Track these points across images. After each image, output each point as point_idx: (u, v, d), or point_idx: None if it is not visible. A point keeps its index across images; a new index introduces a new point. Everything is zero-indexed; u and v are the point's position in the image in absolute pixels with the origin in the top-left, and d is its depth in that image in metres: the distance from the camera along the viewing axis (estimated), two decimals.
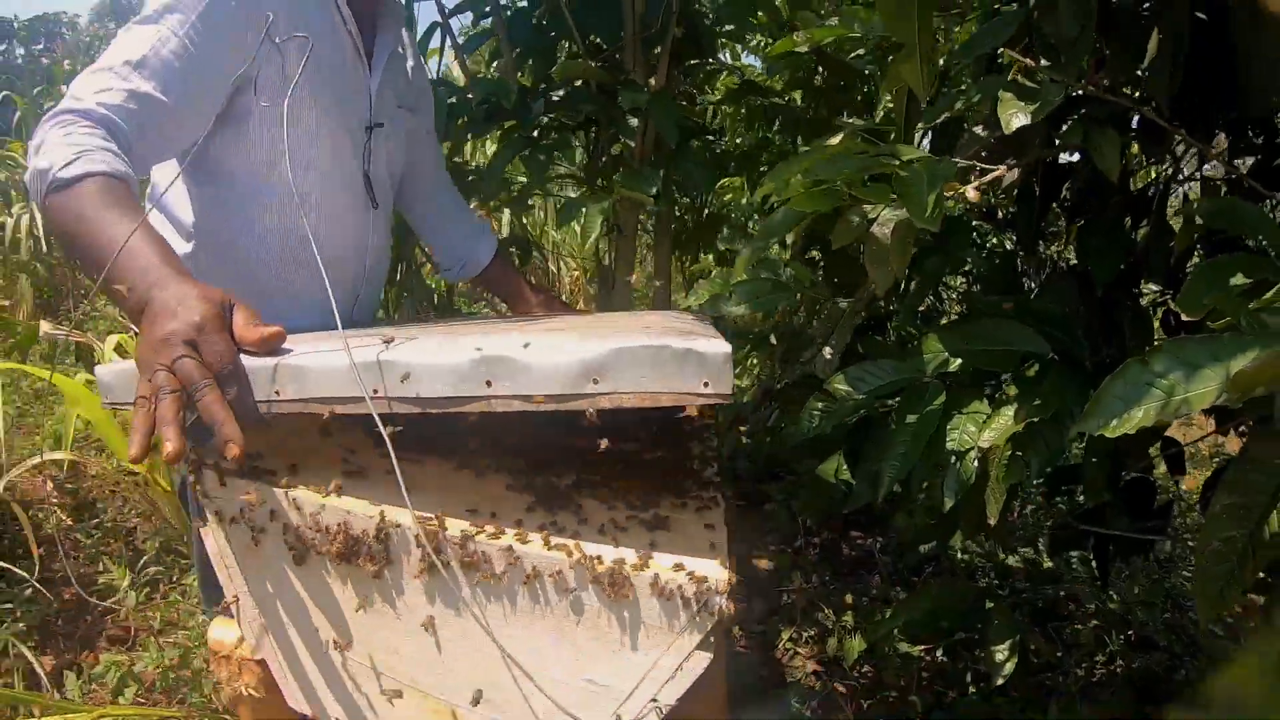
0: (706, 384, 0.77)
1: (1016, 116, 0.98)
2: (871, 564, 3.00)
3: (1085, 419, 0.79)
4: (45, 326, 2.49)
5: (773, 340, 2.36)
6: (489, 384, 0.79)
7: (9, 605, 2.47)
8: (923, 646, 2.47)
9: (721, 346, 0.77)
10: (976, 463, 1.11)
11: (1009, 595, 2.63)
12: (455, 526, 0.85)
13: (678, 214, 2.37)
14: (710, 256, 2.76)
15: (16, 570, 2.27)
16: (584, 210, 1.66)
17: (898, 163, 0.97)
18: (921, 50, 0.98)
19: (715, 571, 0.80)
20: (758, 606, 2.73)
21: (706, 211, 2.72)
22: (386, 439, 0.78)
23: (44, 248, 5.20)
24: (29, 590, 2.56)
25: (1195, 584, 0.85)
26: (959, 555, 3.01)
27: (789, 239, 1.72)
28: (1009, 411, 1.09)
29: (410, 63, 1.54)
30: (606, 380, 0.78)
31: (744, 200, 3.26)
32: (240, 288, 0.98)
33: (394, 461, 0.79)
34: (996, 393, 1.17)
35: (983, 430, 1.10)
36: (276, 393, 0.84)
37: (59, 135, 1.02)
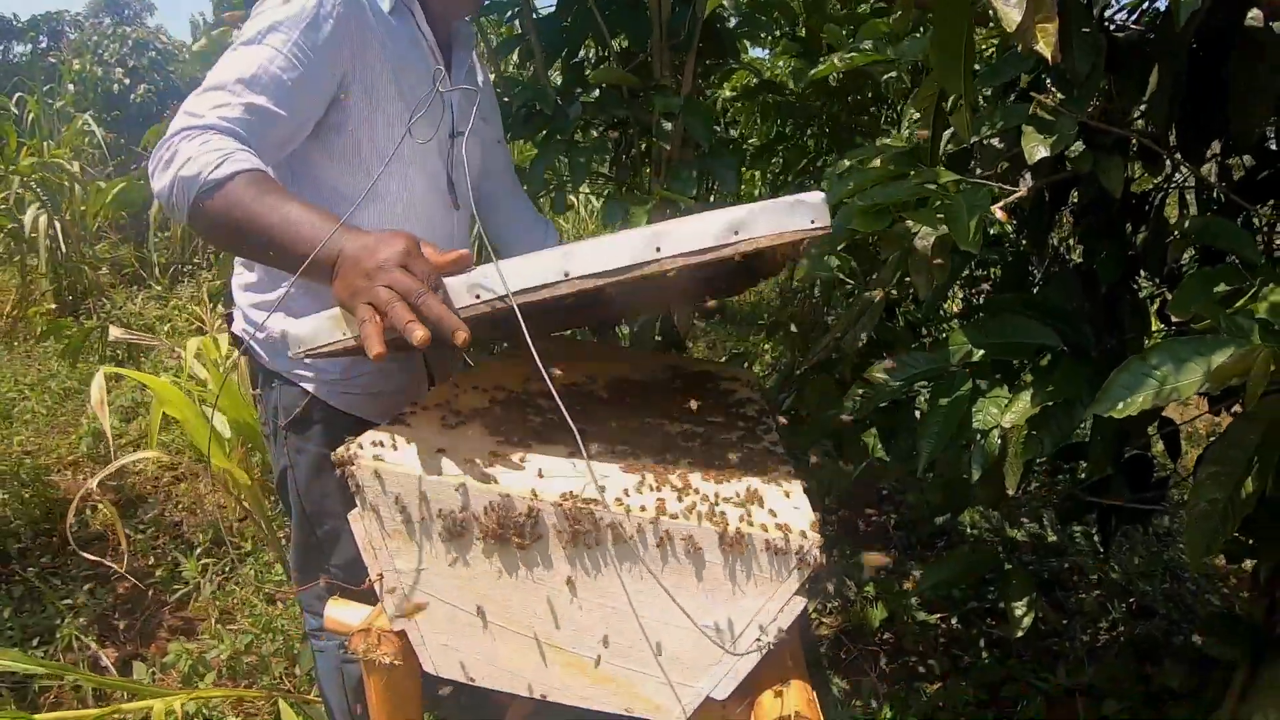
0: (814, 220, 1.00)
1: (1038, 149, 1.15)
2: (887, 538, 3.18)
3: (1096, 403, 0.97)
4: (115, 331, 2.60)
5: (792, 328, 2.49)
6: (659, 249, 0.99)
7: (68, 601, 2.61)
8: (939, 615, 2.66)
9: (817, 194, 1.01)
10: (999, 440, 1.28)
11: (1017, 566, 2.78)
12: (608, 488, 1.02)
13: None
14: None
15: (106, 562, 2.38)
16: (629, 210, 1.77)
17: (936, 187, 1.13)
18: (968, 100, 1.14)
19: (810, 529, 0.97)
20: None
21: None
22: (547, 378, 0.95)
23: (63, 249, 5.24)
24: (88, 586, 2.71)
25: (1186, 538, 1.04)
26: (968, 530, 3.18)
27: None
28: (1026, 396, 1.25)
29: (480, 77, 1.63)
30: (744, 231, 0.99)
31: (756, 193, 3.36)
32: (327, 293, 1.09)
33: (560, 406, 0.95)
34: (1015, 380, 1.34)
35: (1004, 413, 1.26)
36: (477, 296, 1.01)
37: (196, 145, 1.10)
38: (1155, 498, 1.65)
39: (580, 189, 2.34)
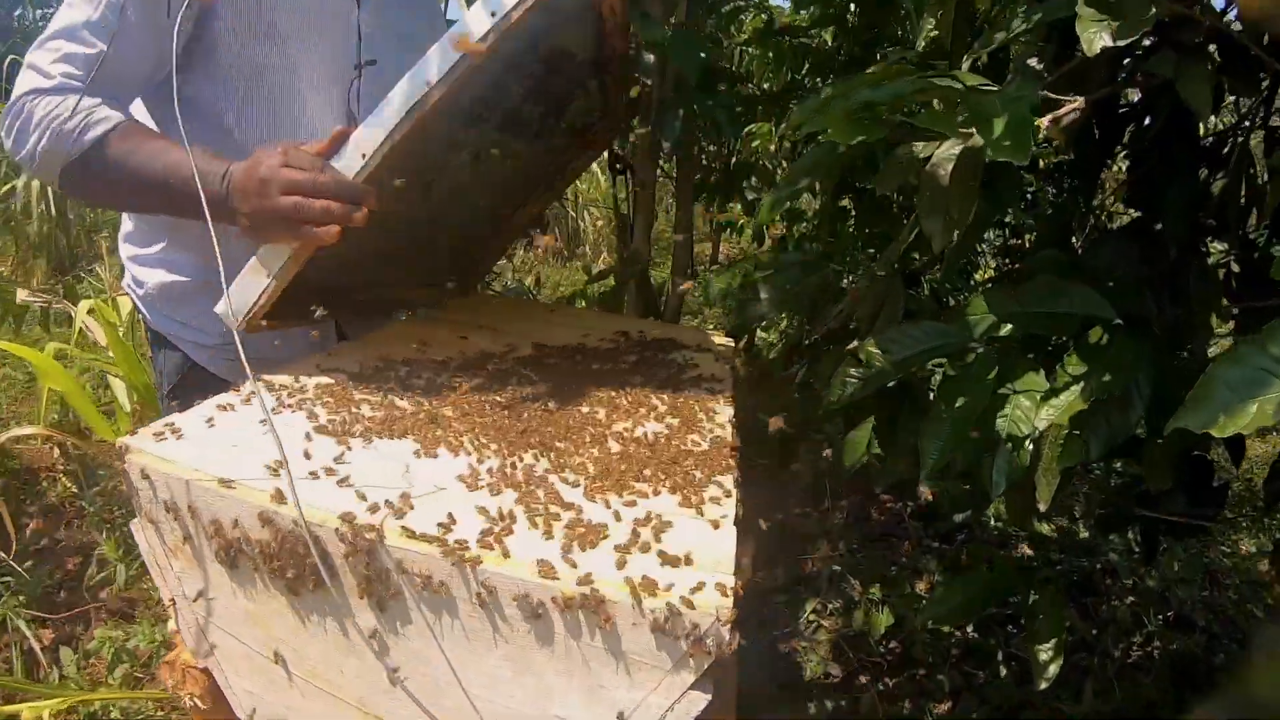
0: None
1: (1099, 37, 0.82)
2: (901, 530, 2.90)
3: (1186, 412, 0.66)
4: (22, 294, 2.40)
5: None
6: (493, 14, 0.92)
7: (8, 579, 2.40)
8: (949, 623, 2.39)
9: None
10: (1031, 445, 0.97)
11: (1043, 567, 2.50)
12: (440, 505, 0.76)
13: (703, 162, 2.23)
14: (738, 207, 2.61)
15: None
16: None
17: (961, 87, 0.80)
18: None
19: (715, 595, 0.67)
20: (780, 574, 2.62)
21: (733, 159, 2.58)
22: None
23: (52, 212, 5.12)
24: (29, 562, 2.51)
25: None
26: (992, 523, 2.89)
27: (817, 186, 1.57)
28: (1074, 391, 0.95)
29: None
30: None
31: (772, 146, 3.12)
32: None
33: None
34: (1054, 362, 1.03)
35: (1040, 408, 0.95)
36: (362, 155, 0.97)
37: (51, 110, 1.08)
38: (1213, 509, 1.33)
39: None
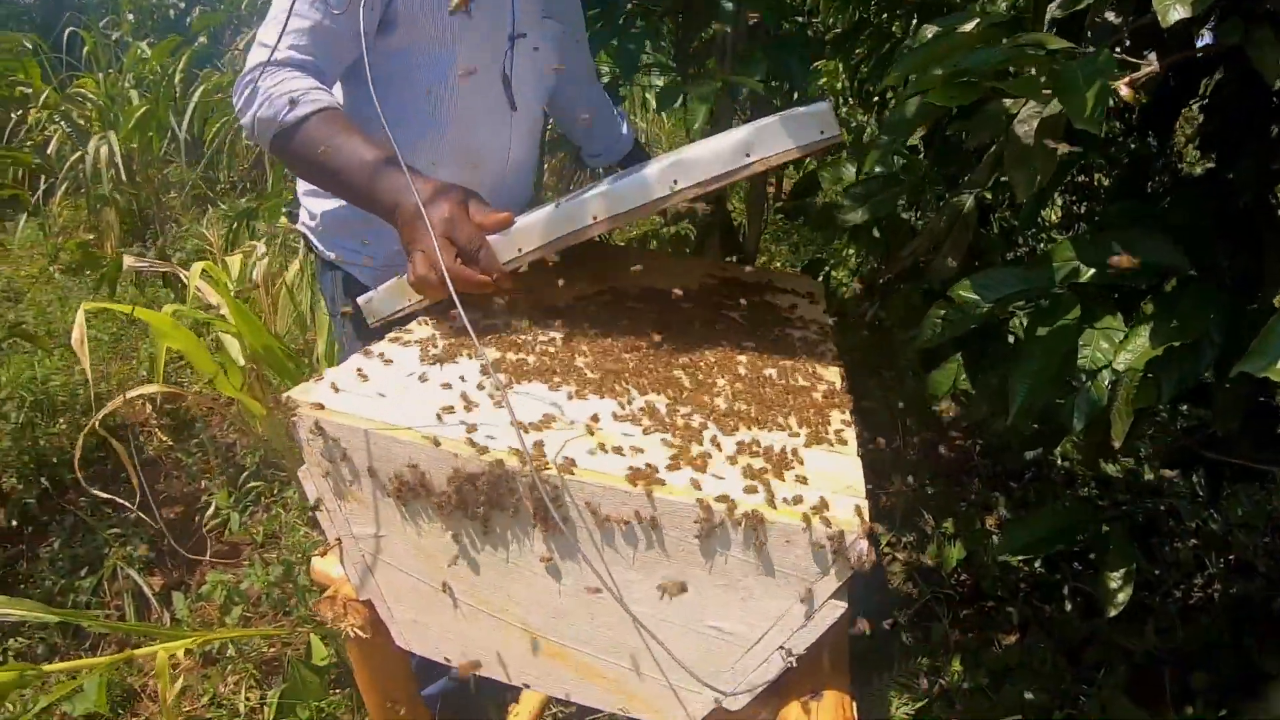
0: (823, 131, 1.05)
1: (1175, 9, 0.86)
2: (971, 467, 2.92)
3: (1250, 357, 0.72)
4: (129, 259, 2.49)
5: (875, 233, 2.24)
6: (675, 183, 1.03)
7: (116, 530, 2.54)
8: (1020, 558, 2.42)
9: (823, 104, 1.05)
10: (1109, 384, 1.03)
11: (1109, 507, 2.53)
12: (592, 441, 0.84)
13: (774, 102, 2.24)
14: None
15: (120, 500, 2.31)
16: (685, 97, 1.59)
17: (1044, 54, 0.86)
18: None
19: (857, 514, 0.75)
20: None
21: (797, 97, 2.58)
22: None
23: (122, 176, 5.21)
24: (134, 515, 2.62)
25: None
26: (1059, 462, 2.91)
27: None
28: (1145, 332, 1.01)
29: None
30: (755, 152, 1.03)
31: (839, 85, 3.09)
32: None
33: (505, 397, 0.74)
34: (1131, 308, 1.09)
35: (1118, 350, 1.01)
36: (518, 249, 1.06)
37: (271, 85, 1.18)
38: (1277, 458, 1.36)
39: (637, 81, 2.13)
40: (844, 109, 3.20)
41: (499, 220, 1.06)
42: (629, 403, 0.94)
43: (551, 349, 1.07)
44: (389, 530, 0.89)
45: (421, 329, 1.13)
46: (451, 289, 0.97)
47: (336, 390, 0.92)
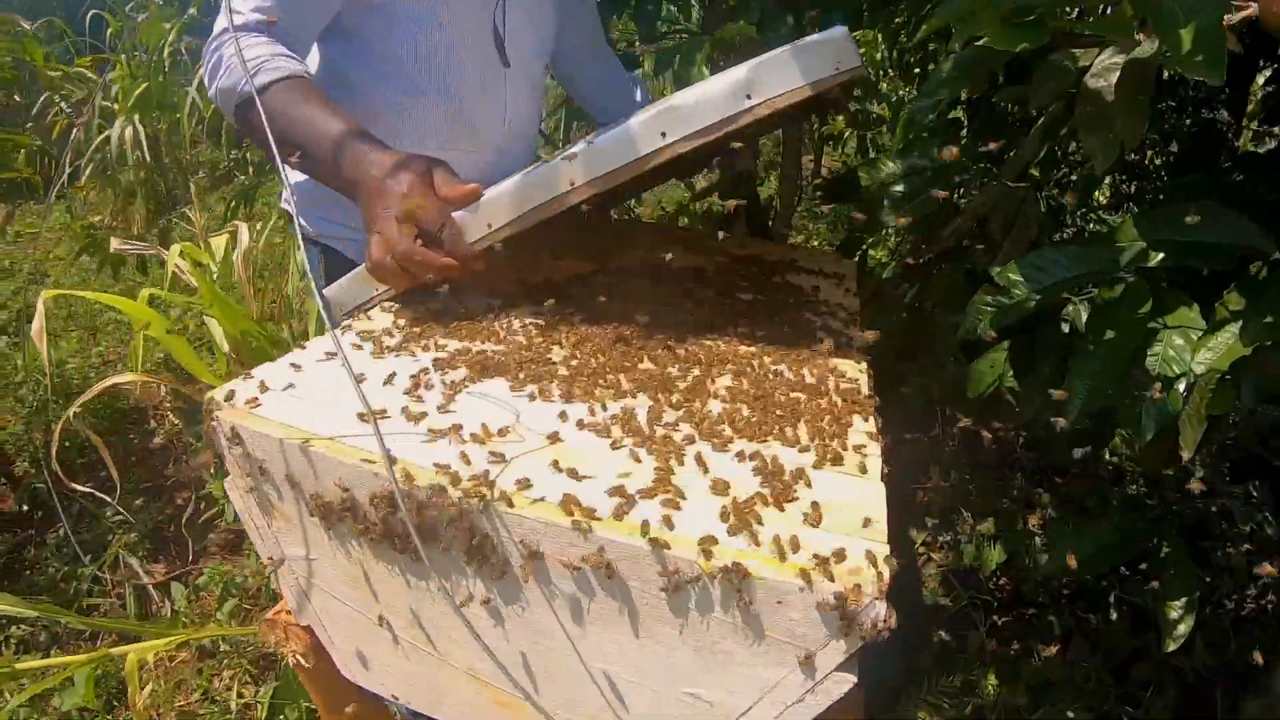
0: (839, 64, 0.90)
1: None
2: (1014, 459, 2.75)
3: None
4: (115, 243, 2.40)
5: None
6: (664, 135, 0.89)
7: (120, 518, 2.48)
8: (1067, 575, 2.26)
9: (839, 29, 0.91)
10: (1185, 388, 0.87)
11: (1159, 506, 2.36)
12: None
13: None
14: (840, 119, 2.45)
15: (97, 492, 2.26)
16: (679, 57, 1.44)
17: None
18: None
19: (867, 564, 0.60)
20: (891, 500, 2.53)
21: None
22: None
23: (147, 158, 5.18)
24: (139, 500, 2.59)
25: None
26: (1107, 456, 2.73)
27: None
28: (1233, 327, 0.85)
29: None
30: (757, 92, 0.88)
31: (878, 56, 2.93)
32: None
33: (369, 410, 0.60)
34: (1208, 297, 0.93)
35: (1197, 349, 0.85)
36: (488, 225, 0.95)
37: (234, 52, 1.09)
38: None
39: (649, 47, 1.99)
40: (884, 83, 3.02)
41: (465, 193, 0.98)
42: (603, 408, 0.80)
43: (524, 338, 0.94)
44: (319, 554, 0.76)
45: (382, 317, 1.01)
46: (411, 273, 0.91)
47: (264, 390, 0.79)
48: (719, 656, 0.63)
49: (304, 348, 0.90)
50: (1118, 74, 0.80)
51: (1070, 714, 1.81)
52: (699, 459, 0.72)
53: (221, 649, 2.03)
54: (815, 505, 0.66)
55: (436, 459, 0.69)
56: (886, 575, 0.59)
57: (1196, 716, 1.79)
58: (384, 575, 0.73)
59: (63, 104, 5.31)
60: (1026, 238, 1.08)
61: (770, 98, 0.88)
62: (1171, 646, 1.12)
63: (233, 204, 3.52)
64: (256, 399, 0.77)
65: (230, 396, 0.78)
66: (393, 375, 0.84)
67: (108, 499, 2.24)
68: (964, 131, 1.54)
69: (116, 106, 5.21)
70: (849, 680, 0.60)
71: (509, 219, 0.93)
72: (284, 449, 0.71)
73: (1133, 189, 2.29)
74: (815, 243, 4.17)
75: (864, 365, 0.93)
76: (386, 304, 1.04)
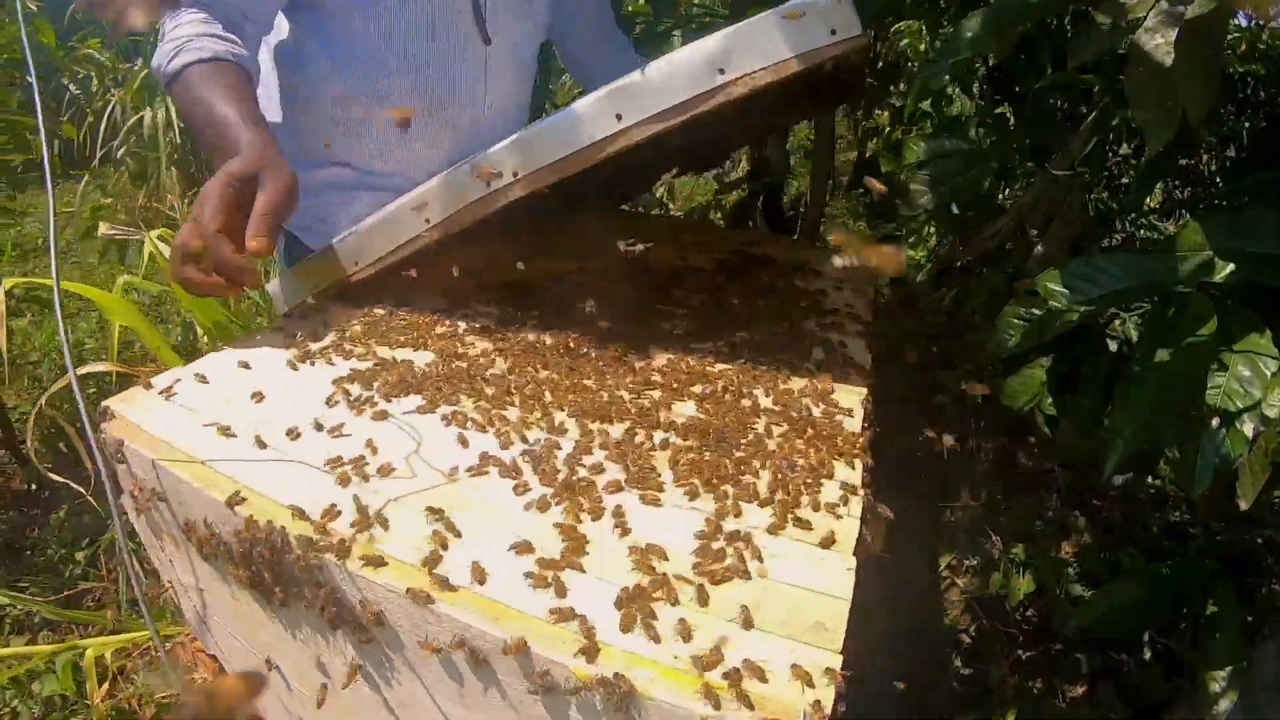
0: (834, 31, 0.74)
1: None
2: (1050, 479, 2.58)
3: None
4: (103, 227, 2.34)
5: (954, 208, 1.95)
6: (619, 117, 0.75)
7: (119, 502, 2.47)
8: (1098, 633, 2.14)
9: None
10: (1250, 429, 0.73)
11: (1201, 535, 2.20)
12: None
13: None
14: (885, 114, 2.31)
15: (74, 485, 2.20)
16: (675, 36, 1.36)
17: None
18: None
19: (803, 696, 0.46)
20: (915, 519, 2.41)
21: (880, 62, 2.27)
22: None
23: (177, 138, 5.22)
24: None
25: None
26: (1150, 482, 2.58)
27: (974, 87, 1.31)
28: None
29: None
30: (732, 66, 0.74)
31: (922, 47, 2.77)
32: (338, 138, 1.20)
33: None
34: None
35: (1271, 388, 0.71)
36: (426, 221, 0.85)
37: (171, 28, 1.05)
38: None
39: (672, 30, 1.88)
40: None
41: (259, 232, 0.85)
42: (522, 439, 0.68)
43: (461, 346, 0.84)
44: (207, 585, 0.66)
45: (312, 318, 0.91)
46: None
47: (167, 399, 0.71)
48: None
49: (218, 352, 0.82)
50: (1177, 30, 0.66)
51: None
52: (618, 515, 0.59)
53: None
54: (753, 595, 0.53)
55: (299, 498, 0.58)
56: (827, 705, 0.45)
57: None
58: (265, 619, 0.63)
59: (70, 85, 5.30)
60: (1067, 236, 0.95)
61: (748, 73, 0.74)
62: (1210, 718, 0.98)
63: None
64: (154, 405, 0.69)
65: (128, 401, 0.70)
66: (301, 388, 0.74)
67: (82, 490, 2.19)
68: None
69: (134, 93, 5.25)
70: None
71: (441, 216, 0.84)
72: (157, 471, 0.62)
73: (1185, 194, 2.13)
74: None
75: (864, 391, 0.79)
76: (334, 301, 0.94)
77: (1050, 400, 1.03)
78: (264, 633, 0.63)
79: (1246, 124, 1.53)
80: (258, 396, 0.72)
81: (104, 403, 0.69)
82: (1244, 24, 1.50)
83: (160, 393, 0.70)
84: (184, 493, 0.60)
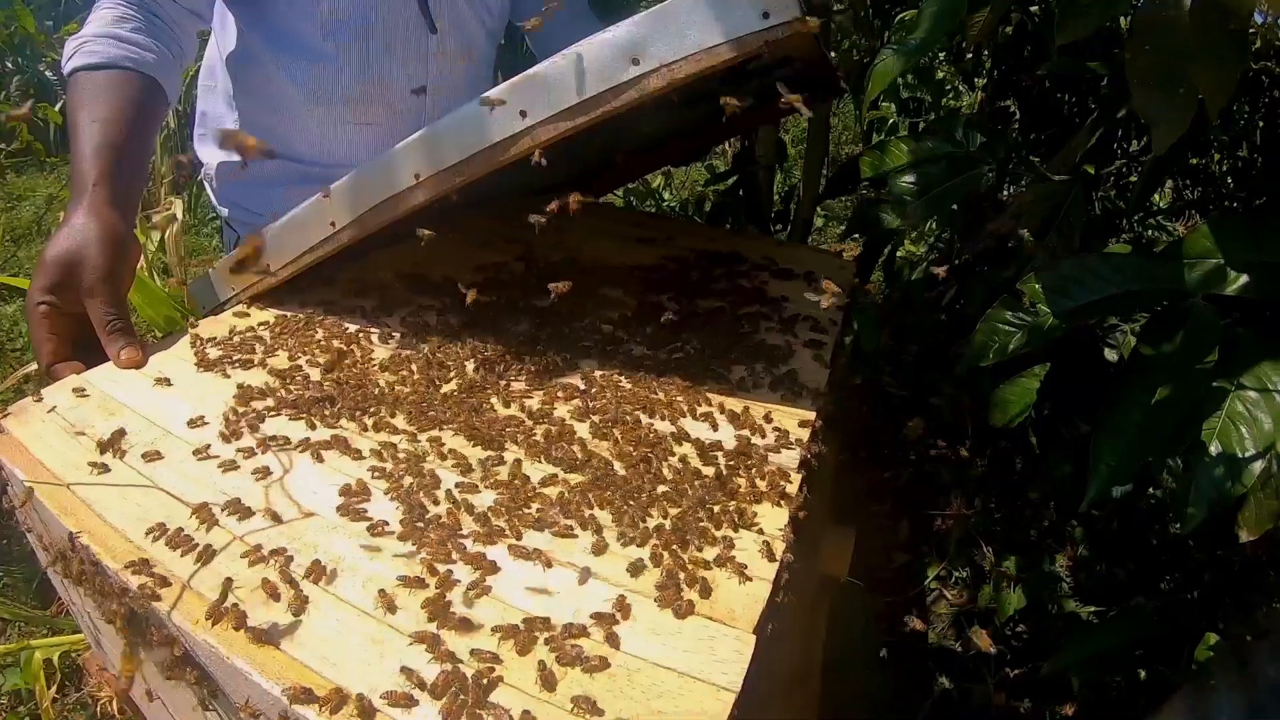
0: (766, 14, 0.63)
1: None
2: (1048, 488, 2.54)
3: None
4: None
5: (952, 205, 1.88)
6: (524, 114, 0.68)
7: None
8: (1093, 609, 2.05)
9: None
10: (1259, 468, 0.65)
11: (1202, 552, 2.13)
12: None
13: (843, 47, 1.85)
14: (892, 105, 2.22)
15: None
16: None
17: None
18: None
19: None
20: (905, 528, 2.34)
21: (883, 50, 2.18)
22: None
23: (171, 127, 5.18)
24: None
25: None
26: (1152, 494, 2.51)
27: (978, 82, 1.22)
28: None
29: None
30: (648, 57, 0.64)
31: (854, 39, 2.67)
32: (283, 130, 1.17)
33: None
34: None
35: None
36: (332, 225, 0.79)
37: (87, 24, 1.00)
38: None
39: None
40: (939, 71, 2.75)
41: (125, 356, 0.78)
42: (381, 472, 0.62)
43: (365, 357, 0.78)
44: (87, 609, 0.61)
45: (232, 318, 0.85)
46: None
47: (52, 412, 0.67)
48: None
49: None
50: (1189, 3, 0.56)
51: None
52: (479, 565, 0.53)
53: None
54: (636, 679, 0.46)
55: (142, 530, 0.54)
56: None
57: None
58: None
59: (48, 73, 5.24)
60: (1068, 245, 0.86)
61: (666, 64, 0.64)
62: None
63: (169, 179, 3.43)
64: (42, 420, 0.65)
65: (15, 416, 0.66)
66: (217, 397, 0.70)
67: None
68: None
69: None
70: None
71: (349, 219, 0.77)
72: (29, 494, 0.58)
73: (1196, 195, 2.03)
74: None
75: (809, 425, 0.70)
76: (255, 301, 0.88)
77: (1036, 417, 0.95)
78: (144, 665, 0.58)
79: (1261, 122, 1.45)
80: (146, 411, 0.68)
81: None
82: (1259, 20, 1.41)
83: (53, 406, 0.67)
84: (45, 518, 0.57)
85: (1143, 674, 1.65)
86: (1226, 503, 0.66)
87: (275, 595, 0.49)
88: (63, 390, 0.70)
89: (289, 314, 0.85)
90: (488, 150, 0.68)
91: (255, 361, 0.76)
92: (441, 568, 0.52)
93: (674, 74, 0.64)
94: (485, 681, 0.44)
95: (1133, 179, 1.67)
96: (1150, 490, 2.48)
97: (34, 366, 1.98)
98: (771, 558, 0.54)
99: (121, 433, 0.63)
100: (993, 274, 1.25)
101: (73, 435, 0.64)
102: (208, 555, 0.53)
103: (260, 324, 0.83)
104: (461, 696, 0.43)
